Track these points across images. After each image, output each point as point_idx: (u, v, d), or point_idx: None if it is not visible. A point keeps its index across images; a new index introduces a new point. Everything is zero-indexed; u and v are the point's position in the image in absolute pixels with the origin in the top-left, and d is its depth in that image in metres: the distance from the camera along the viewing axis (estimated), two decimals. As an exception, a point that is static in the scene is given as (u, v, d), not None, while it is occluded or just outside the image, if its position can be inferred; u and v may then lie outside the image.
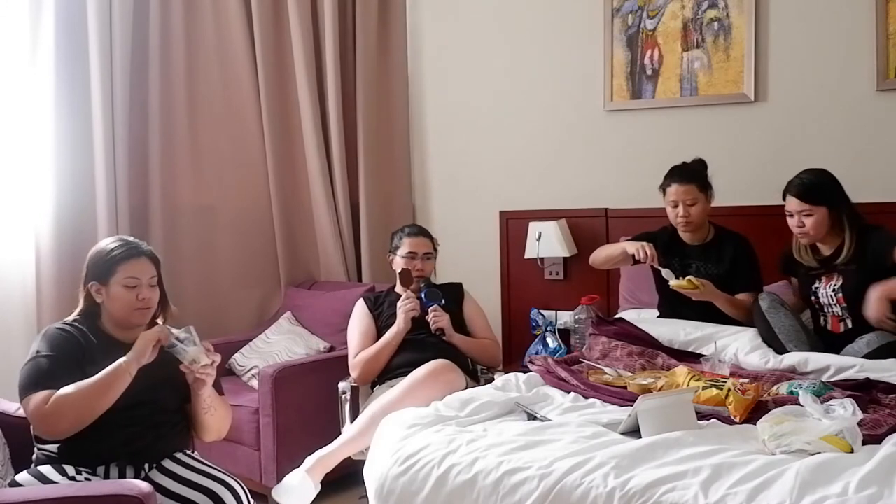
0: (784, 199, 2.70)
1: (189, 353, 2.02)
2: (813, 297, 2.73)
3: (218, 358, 2.09)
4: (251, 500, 2.07)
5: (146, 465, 2.09)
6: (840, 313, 2.66)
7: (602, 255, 3.14)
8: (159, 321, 2.22)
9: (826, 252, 2.70)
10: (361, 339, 2.99)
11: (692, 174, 2.94)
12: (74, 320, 2.12)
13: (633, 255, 2.93)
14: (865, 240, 2.61)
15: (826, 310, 2.70)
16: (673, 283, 2.81)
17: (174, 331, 2.06)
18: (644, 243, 2.91)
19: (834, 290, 2.66)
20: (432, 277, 3.16)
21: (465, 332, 3.07)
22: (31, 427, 2.02)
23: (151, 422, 2.09)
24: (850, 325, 2.64)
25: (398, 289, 3.10)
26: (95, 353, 2.04)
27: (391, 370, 2.92)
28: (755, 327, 2.72)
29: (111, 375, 1.95)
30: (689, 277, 2.80)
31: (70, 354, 2.02)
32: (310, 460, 2.53)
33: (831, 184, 2.65)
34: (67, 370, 1.98)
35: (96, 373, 1.96)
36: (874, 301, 2.46)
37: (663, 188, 2.97)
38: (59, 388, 1.94)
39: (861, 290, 2.56)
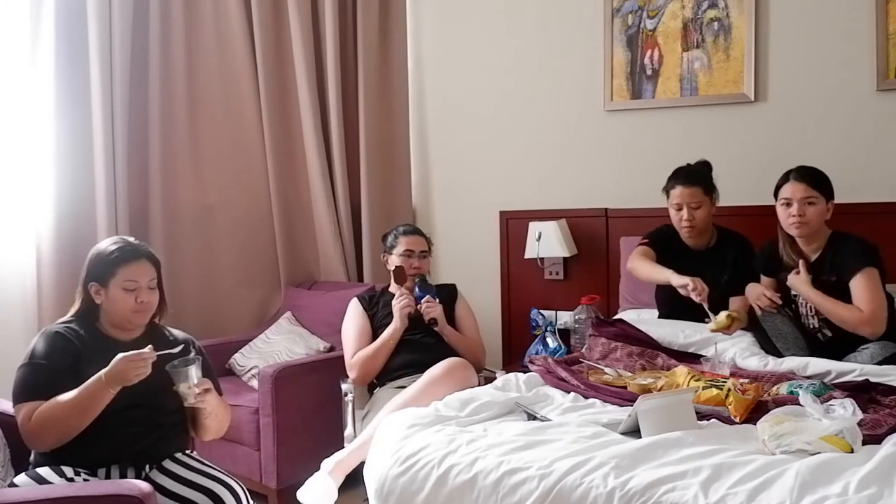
0: (777, 190, 2.66)
1: (181, 383, 2.02)
2: (794, 305, 2.72)
3: (205, 404, 2.06)
4: (250, 501, 2.07)
5: (147, 466, 2.09)
6: (817, 325, 2.66)
7: (644, 273, 2.94)
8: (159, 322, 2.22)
9: (811, 255, 2.67)
10: (358, 338, 2.98)
11: (697, 176, 2.91)
12: (71, 321, 2.11)
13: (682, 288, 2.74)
14: (838, 250, 2.60)
15: (804, 320, 2.70)
16: (712, 326, 2.64)
17: (174, 351, 2.08)
18: (700, 281, 2.71)
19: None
20: (427, 277, 3.16)
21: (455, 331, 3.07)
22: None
23: (152, 423, 2.09)
24: (829, 335, 2.63)
25: (392, 288, 3.11)
26: (92, 354, 2.03)
27: (391, 372, 2.92)
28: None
29: (90, 395, 1.93)
30: (729, 313, 2.65)
31: (64, 361, 2.01)
32: (329, 462, 2.53)
33: (829, 180, 2.65)
34: (60, 378, 1.97)
35: (93, 373, 1.95)
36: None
37: (667, 190, 2.94)
38: (48, 399, 1.94)
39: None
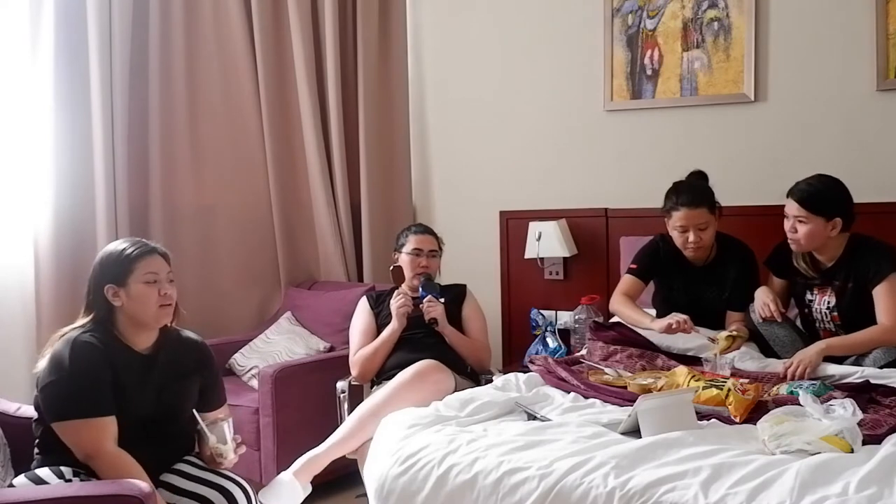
0: (787, 198, 2.64)
1: (213, 439, 2.08)
2: (806, 310, 2.71)
3: (236, 457, 2.12)
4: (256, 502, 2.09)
5: (155, 472, 2.07)
6: (833, 329, 2.63)
7: (628, 321, 2.86)
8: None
9: (826, 264, 2.64)
10: (361, 336, 3.00)
11: (701, 195, 2.75)
12: (91, 330, 2.02)
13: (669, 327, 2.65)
14: (858, 256, 2.57)
15: (818, 325, 2.68)
16: (716, 350, 2.55)
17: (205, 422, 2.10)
18: (677, 316, 2.64)
19: (828, 307, 2.63)
20: (437, 278, 3.16)
21: (461, 331, 3.05)
22: (69, 446, 1.95)
23: (165, 436, 2.09)
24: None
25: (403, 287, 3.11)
26: (118, 365, 2.00)
27: (387, 370, 2.92)
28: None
29: None
30: (730, 333, 2.59)
31: (105, 374, 1.96)
32: (298, 463, 2.50)
33: (838, 196, 2.55)
34: (106, 392, 1.95)
35: (125, 385, 1.98)
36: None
37: (668, 211, 2.80)
38: (102, 416, 1.93)
39: (855, 309, 2.55)
